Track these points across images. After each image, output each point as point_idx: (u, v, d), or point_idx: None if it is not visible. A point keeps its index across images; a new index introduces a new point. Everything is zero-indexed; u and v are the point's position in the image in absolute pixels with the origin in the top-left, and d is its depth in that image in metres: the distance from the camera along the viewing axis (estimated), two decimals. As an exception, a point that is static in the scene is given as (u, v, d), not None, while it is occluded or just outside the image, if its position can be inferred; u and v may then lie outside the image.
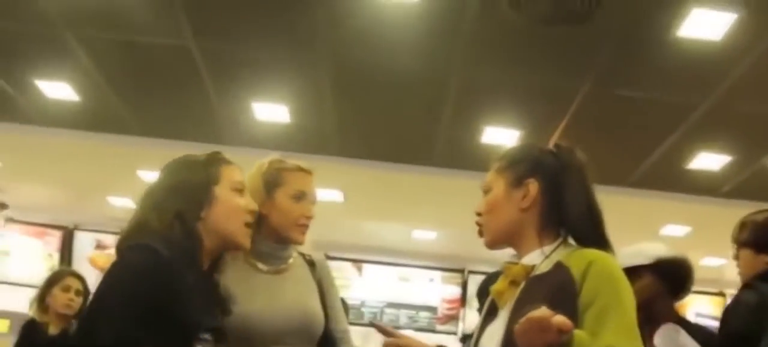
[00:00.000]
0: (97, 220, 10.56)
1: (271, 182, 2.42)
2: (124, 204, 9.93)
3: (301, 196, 2.43)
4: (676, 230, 8.74)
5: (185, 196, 1.92)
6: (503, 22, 4.81)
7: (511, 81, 5.74)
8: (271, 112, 6.68)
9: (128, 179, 8.66)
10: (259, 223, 2.28)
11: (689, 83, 5.54)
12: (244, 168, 2.28)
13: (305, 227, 2.46)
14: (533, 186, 1.88)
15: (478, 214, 2.00)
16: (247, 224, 2.01)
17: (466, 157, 6.89)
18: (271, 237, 2.44)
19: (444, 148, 7.05)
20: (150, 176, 8.37)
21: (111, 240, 10.34)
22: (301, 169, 2.47)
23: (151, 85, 6.46)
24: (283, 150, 6.73)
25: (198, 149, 5.85)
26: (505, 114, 6.33)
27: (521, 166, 1.93)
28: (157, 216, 1.88)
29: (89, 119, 7.22)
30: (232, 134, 7.16)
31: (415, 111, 6.40)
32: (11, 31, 5.67)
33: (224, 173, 1.99)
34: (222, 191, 1.95)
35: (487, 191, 1.99)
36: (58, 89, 6.60)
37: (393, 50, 5.35)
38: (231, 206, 1.96)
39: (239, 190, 2.00)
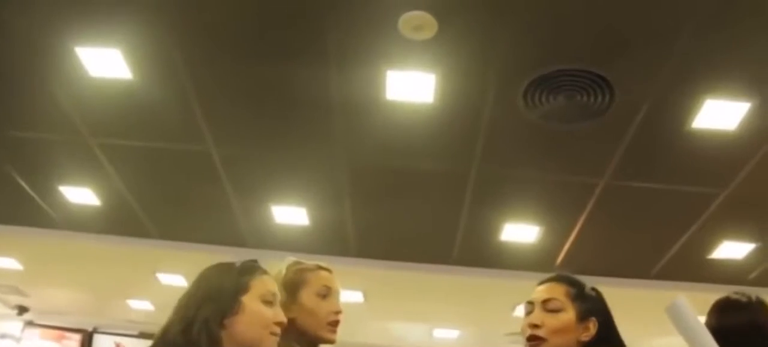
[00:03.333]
0: (117, 323, 10.57)
1: (293, 284, 2.36)
2: (144, 307, 9.96)
3: (326, 292, 2.37)
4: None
5: (212, 302, 1.91)
6: (519, 120, 4.87)
7: (528, 178, 5.75)
8: (290, 215, 6.72)
9: (147, 282, 8.71)
10: (287, 330, 2.26)
11: (707, 173, 5.53)
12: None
13: (336, 324, 2.37)
14: (593, 326, 2.06)
15: (537, 326, 2.07)
16: (274, 334, 1.99)
17: (485, 255, 6.87)
18: (302, 342, 2.33)
19: (463, 246, 7.03)
20: (169, 278, 8.45)
21: (130, 343, 10.33)
22: (321, 267, 2.44)
23: (170, 190, 6.54)
24: (302, 253, 6.75)
25: (217, 253, 5.94)
26: (524, 211, 6.32)
27: (588, 302, 2.10)
28: (180, 321, 1.88)
29: (110, 223, 7.29)
30: (251, 238, 7.20)
31: (433, 211, 6.41)
32: (36, 140, 5.79)
33: (255, 283, 1.97)
34: (250, 301, 1.94)
35: (557, 309, 2.08)
36: (80, 195, 6.71)
37: (410, 151, 5.41)
38: (257, 317, 1.94)
39: (269, 301, 1.98)
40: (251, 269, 2.01)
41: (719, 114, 4.76)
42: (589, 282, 2.18)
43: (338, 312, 2.37)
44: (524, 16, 3.99)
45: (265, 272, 2.04)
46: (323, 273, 2.42)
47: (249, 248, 7.32)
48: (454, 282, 7.70)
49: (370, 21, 4.10)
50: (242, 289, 1.94)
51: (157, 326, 1.97)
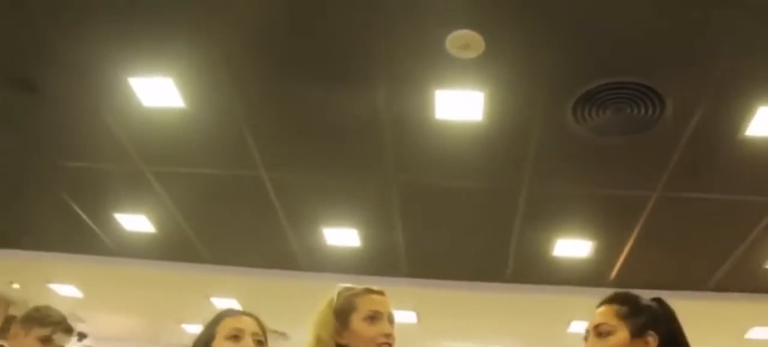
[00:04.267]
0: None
1: (343, 311, 2.35)
2: (198, 331, 10.07)
3: (375, 316, 2.34)
4: (763, 333, 8.38)
5: None
6: (569, 135, 4.84)
7: (579, 193, 5.70)
8: (342, 237, 6.77)
9: (202, 307, 8.79)
10: None
11: (763, 181, 5.42)
12: (317, 293, 2.32)
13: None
14: (653, 340, 2.01)
15: None
16: None
17: (538, 271, 6.82)
18: None
19: (516, 264, 6.99)
20: (223, 303, 8.53)
21: (185, 368, 10.44)
22: (371, 290, 2.41)
23: (223, 215, 6.62)
24: (354, 274, 6.87)
25: (270, 276, 5.99)
26: (577, 226, 6.26)
27: (642, 317, 2.04)
28: None
29: (164, 249, 7.42)
30: (304, 260, 7.25)
31: (484, 229, 6.38)
32: (92, 170, 5.93)
33: (220, 328, 2.14)
34: (217, 344, 2.10)
35: (606, 333, 2.04)
36: (135, 222, 6.84)
37: (460, 170, 5.42)
38: None
39: (234, 336, 2.11)
40: (220, 317, 2.20)
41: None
42: (645, 296, 2.15)
43: (388, 335, 2.33)
44: (571, 30, 3.98)
45: (234, 313, 2.22)
46: (372, 297, 2.40)
47: (301, 272, 7.37)
48: (508, 300, 7.65)
49: (418, 41, 4.13)
50: (210, 338, 2.12)
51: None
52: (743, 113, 4.60)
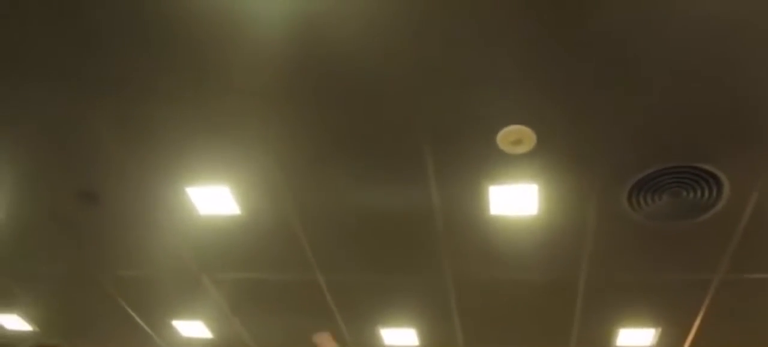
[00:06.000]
0: None
1: None
2: None
3: None
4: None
5: None
6: (625, 223, 4.80)
7: (640, 280, 5.60)
8: (400, 336, 6.71)
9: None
10: None
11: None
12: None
13: None
14: None
15: None
16: None
17: (602, 362, 6.67)
18: None
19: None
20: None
21: None
22: None
23: (279, 319, 6.62)
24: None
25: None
26: (639, 314, 6.13)
27: None
28: None
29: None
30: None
31: (544, 321, 6.28)
32: (151, 277, 6.01)
33: None
34: None
35: None
36: (192, 328, 6.87)
37: (517, 264, 5.37)
38: None
39: None
40: None
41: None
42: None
43: None
44: (622, 118, 3.98)
45: None
46: None
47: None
48: (571, 392, 7.46)
49: (470, 138, 4.17)
50: None
51: None
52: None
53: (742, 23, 3.39)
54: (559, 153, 4.26)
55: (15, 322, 7.18)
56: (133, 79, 3.94)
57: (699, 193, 4.50)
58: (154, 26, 3.58)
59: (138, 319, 6.84)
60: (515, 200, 4.64)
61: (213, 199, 4.89)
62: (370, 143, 4.29)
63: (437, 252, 5.28)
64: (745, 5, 3.31)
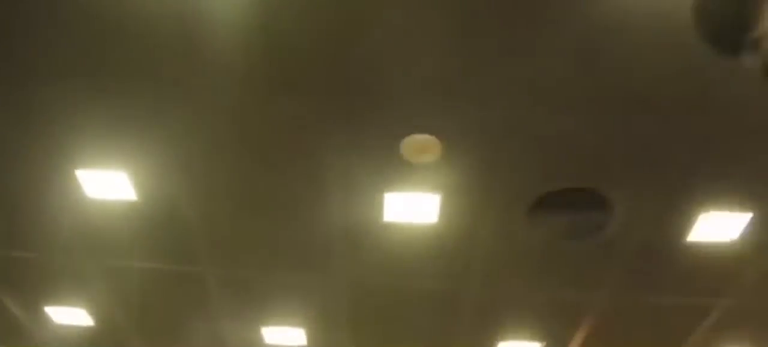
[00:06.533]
0: None
1: None
2: None
3: None
4: None
5: None
6: (520, 238, 4.88)
7: (529, 296, 5.72)
8: (287, 336, 6.65)
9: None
10: None
11: (707, 284, 5.53)
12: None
13: None
14: None
15: None
16: None
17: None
18: None
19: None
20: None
21: None
22: None
23: (163, 311, 6.43)
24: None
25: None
26: (522, 329, 6.26)
27: None
28: None
29: (101, 342, 7.14)
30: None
31: (430, 330, 6.32)
32: (28, 261, 5.71)
33: None
34: None
35: None
36: (74, 315, 6.59)
37: (409, 271, 5.38)
38: None
39: None
40: None
41: (718, 226, 4.83)
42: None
43: None
44: (526, 137, 4.05)
45: None
46: None
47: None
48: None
49: (372, 145, 4.14)
50: None
51: None
52: (686, 220, 4.72)
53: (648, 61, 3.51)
54: (463, 165, 4.28)
55: None
56: (20, 59, 3.72)
57: (592, 216, 4.63)
58: (42, 4, 3.38)
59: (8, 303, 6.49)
60: (414, 208, 4.64)
61: (106, 184, 4.67)
62: (268, 139, 4.20)
63: (332, 254, 5.23)
64: (654, 46, 3.42)
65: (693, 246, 5.00)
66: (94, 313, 6.57)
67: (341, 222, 4.85)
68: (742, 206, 4.63)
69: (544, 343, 6.44)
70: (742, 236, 4.88)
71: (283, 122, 4.06)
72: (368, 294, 5.78)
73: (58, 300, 6.40)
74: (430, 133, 4.03)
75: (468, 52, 3.52)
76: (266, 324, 6.47)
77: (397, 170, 4.30)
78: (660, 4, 3.23)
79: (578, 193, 4.45)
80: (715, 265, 5.24)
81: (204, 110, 4.02)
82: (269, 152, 4.32)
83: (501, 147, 4.13)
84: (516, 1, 3.25)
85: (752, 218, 4.72)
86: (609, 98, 3.78)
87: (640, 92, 3.73)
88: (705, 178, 4.38)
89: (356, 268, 5.40)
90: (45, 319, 6.71)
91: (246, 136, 4.22)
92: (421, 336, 6.46)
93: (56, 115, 4.11)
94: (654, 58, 3.52)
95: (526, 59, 3.54)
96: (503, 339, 6.44)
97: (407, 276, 5.45)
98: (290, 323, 6.40)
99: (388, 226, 4.85)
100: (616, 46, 3.46)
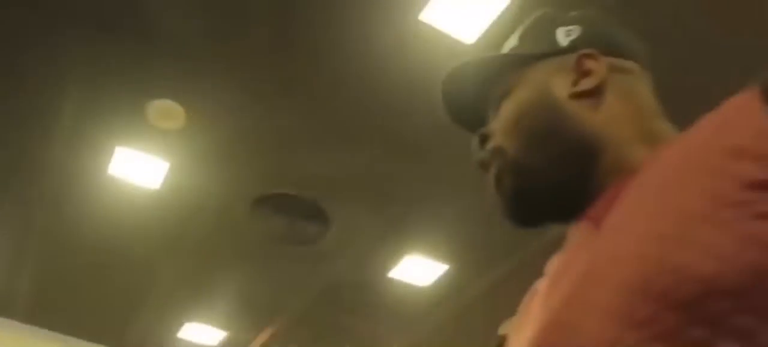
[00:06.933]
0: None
1: None
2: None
3: None
4: None
5: None
6: (239, 229, 4.85)
7: (227, 284, 5.69)
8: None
9: None
10: None
11: (398, 321, 5.87)
12: None
13: None
14: None
15: None
16: None
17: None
18: None
19: (136, 335, 6.65)
20: None
21: None
22: None
23: None
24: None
25: None
26: (210, 314, 6.20)
27: None
28: None
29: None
30: None
31: (121, 299, 6.04)
32: None
33: None
34: None
35: None
36: None
37: (118, 233, 5.12)
38: None
39: None
40: None
41: (416, 270, 5.19)
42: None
43: None
44: (263, 134, 4.07)
45: None
46: None
47: None
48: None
49: (114, 100, 3.92)
50: None
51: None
52: (393, 256, 5.04)
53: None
54: (203, 139, 4.18)
55: None
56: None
57: (310, 225, 4.75)
58: None
59: None
60: (140, 170, 4.43)
61: None
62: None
63: (31, 200, 4.83)
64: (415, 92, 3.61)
65: (393, 282, 5.30)
66: None
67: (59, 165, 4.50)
68: (441, 256, 5.02)
69: (229, 332, 6.42)
70: (437, 282, 5.26)
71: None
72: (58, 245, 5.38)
73: None
74: (176, 100, 3.89)
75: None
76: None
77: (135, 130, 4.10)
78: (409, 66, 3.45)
79: (300, 201, 4.55)
80: (410, 305, 5.61)
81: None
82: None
83: (239, 137, 4.12)
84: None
85: (448, 270, 5.13)
86: (345, 124, 3.93)
87: (378, 127, 3.91)
88: (417, 221, 4.68)
89: (56, 216, 5.01)
90: None
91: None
92: (109, 302, 6.14)
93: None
94: (396, 98, 3.74)
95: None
96: (189, 321, 6.32)
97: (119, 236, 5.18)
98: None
99: (110, 180, 4.57)
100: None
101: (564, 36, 0.80)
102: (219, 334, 6.48)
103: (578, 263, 0.63)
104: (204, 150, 4.27)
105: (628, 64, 0.79)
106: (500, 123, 0.79)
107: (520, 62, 0.80)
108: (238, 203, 4.63)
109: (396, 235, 4.82)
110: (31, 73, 3.83)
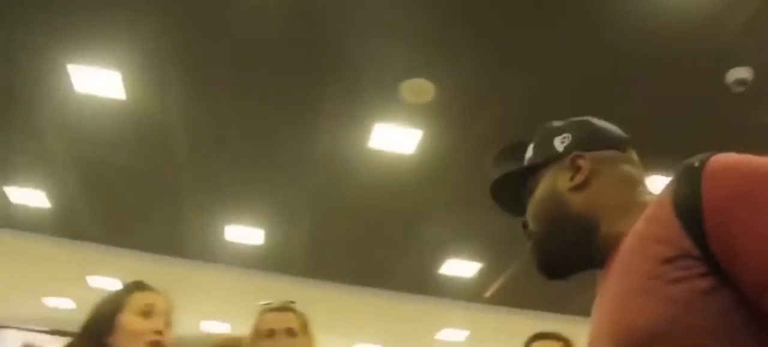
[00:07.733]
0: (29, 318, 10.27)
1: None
2: (61, 305, 9.71)
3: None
4: None
5: (96, 325, 2.01)
6: (487, 179, 5.26)
7: (476, 226, 6.21)
8: (241, 233, 7.03)
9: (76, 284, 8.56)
10: None
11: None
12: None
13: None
14: None
15: None
16: (153, 343, 2.00)
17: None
18: None
19: (401, 277, 7.38)
20: (101, 281, 8.31)
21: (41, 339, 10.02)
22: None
23: (126, 199, 6.60)
24: (252, 268, 7.08)
25: (155, 260, 5.96)
26: (464, 251, 6.83)
27: None
28: (78, 343, 2.04)
29: (52, 225, 7.24)
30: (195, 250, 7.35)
31: (382, 245, 6.82)
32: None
33: (130, 300, 2.02)
34: (126, 317, 2.00)
35: None
36: (30, 196, 6.69)
37: (386, 194, 5.82)
38: (132, 330, 2.00)
39: (146, 313, 2.02)
40: (129, 288, 2.07)
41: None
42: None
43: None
44: (502, 99, 4.46)
45: (144, 287, 2.09)
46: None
47: (192, 260, 7.38)
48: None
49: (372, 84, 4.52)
50: (117, 308, 2.01)
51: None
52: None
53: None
54: (451, 108, 4.69)
55: None
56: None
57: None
58: None
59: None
60: (396, 141, 5.07)
61: (97, 80, 4.73)
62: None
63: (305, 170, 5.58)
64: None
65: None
66: (50, 196, 6.68)
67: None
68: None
69: (482, 264, 6.97)
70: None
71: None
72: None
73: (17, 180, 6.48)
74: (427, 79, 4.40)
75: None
76: (226, 222, 6.78)
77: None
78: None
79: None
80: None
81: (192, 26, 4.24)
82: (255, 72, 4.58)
83: (482, 103, 4.52)
84: None
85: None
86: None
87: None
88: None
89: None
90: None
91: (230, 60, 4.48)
92: (375, 252, 6.91)
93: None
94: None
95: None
96: (449, 258, 7.01)
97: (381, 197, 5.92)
98: (246, 222, 6.73)
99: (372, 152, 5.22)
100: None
101: (560, 143, 1.11)
102: (475, 266, 7.13)
103: (599, 306, 0.98)
104: (451, 117, 4.81)
105: (608, 153, 1.08)
106: (530, 214, 1.13)
107: (535, 170, 1.13)
108: (484, 158, 5.04)
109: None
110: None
